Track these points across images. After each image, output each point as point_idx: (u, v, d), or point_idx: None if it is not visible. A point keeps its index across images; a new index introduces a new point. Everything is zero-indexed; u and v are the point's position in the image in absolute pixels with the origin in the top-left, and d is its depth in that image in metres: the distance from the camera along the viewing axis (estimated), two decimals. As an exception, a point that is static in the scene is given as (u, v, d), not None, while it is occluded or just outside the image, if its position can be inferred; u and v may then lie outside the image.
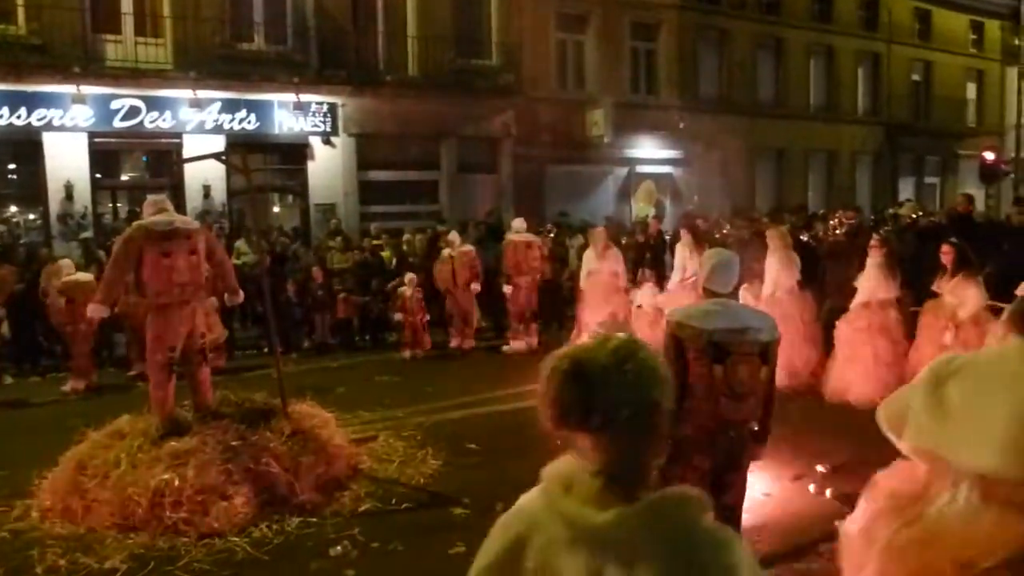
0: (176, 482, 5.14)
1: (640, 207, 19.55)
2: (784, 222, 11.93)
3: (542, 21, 17.70)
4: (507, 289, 11.30)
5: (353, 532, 5.11)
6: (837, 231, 11.92)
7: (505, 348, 11.35)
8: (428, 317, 11.55)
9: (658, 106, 19.84)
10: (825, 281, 9.53)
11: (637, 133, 19.15)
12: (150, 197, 6.19)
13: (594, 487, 1.39)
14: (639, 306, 10.68)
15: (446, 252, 11.67)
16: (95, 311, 5.83)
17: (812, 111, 23.19)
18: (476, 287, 11.51)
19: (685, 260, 9.84)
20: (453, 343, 11.64)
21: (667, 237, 14.07)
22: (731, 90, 21.12)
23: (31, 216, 13.97)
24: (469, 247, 11.84)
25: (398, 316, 11.41)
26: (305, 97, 15.07)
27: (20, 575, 4.63)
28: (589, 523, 1.35)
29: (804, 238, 12.61)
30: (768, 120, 21.18)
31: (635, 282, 10.83)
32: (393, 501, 5.64)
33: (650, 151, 19.70)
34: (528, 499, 1.49)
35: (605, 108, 17.98)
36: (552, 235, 13.74)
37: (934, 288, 7.62)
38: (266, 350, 11.37)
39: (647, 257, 12.96)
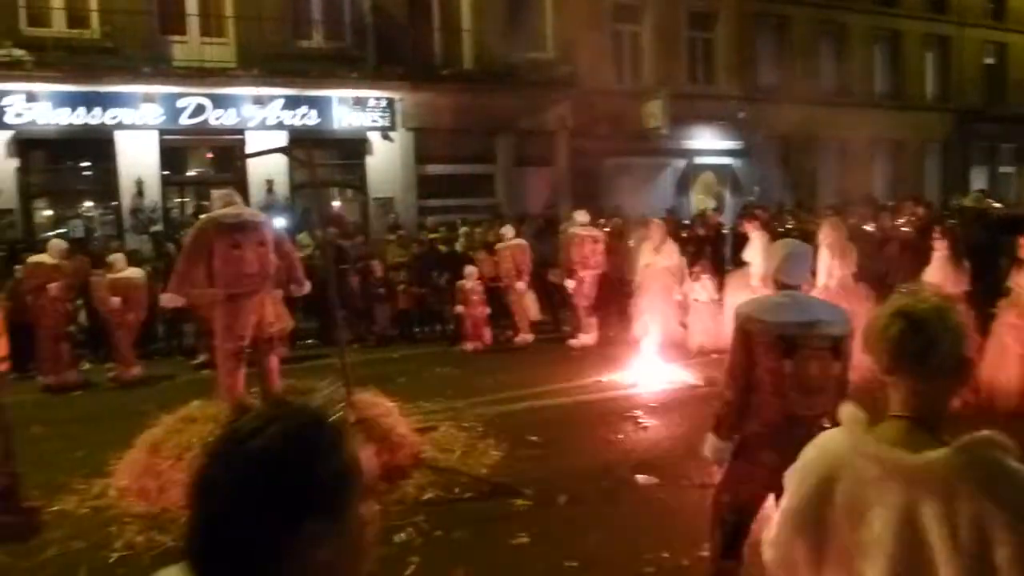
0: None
1: (699, 199, 19.33)
2: (851, 214, 11.66)
3: (597, 12, 17.58)
4: (570, 283, 11.28)
5: (417, 520, 5.18)
6: (904, 224, 11.62)
7: (571, 342, 11.33)
8: (489, 310, 11.63)
9: (716, 96, 19.56)
10: (893, 275, 9.29)
11: (695, 124, 18.91)
12: (218, 191, 6.35)
13: (900, 429, 1.56)
14: (696, 299, 10.61)
15: (499, 246, 11.76)
16: (168, 300, 6.03)
17: (877, 99, 22.55)
18: (520, 285, 11.52)
19: (756, 255, 9.65)
20: (512, 337, 11.71)
21: (726, 230, 13.93)
22: (791, 78, 20.66)
23: (104, 211, 14.45)
24: (521, 241, 11.88)
25: (459, 309, 11.52)
26: (363, 93, 15.27)
27: (101, 549, 4.84)
28: (903, 462, 1.48)
29: (869, 229, 12.33)
30: (830, 109, 20.65)
31: (692, 275, 10.73)
32: (456, 490, 5.71)
33: (708, 142, 19.44)
34: (829, 441, 1.66)
35: (662, 99, 17.80)
36: (610, 228, 13.68)
37: (1009, 284, 7.35)
38: (315, 341, 11.66)
39: (706, 250, 12.84)
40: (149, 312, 10.61)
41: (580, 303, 11.38)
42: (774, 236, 9.10)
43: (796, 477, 1.67)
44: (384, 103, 15.53)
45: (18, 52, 13.12)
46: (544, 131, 17.21)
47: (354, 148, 15.63)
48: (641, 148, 18.05)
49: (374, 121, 15.51)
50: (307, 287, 6.65)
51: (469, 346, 11.32)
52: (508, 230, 12.00)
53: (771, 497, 3.42)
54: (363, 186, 15.81)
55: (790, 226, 12.71)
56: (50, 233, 12.91)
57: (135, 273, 10.33)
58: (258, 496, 0.98)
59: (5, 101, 13.11)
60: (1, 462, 5.52)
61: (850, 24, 21.96)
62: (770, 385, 3.33)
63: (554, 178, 17.61)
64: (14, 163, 13.37)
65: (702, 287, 10.64)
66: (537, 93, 16.60)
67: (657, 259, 10.46)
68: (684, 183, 19.55)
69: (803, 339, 3.30)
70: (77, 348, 11.34)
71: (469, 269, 11.55)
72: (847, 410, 1.62)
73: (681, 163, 19.45)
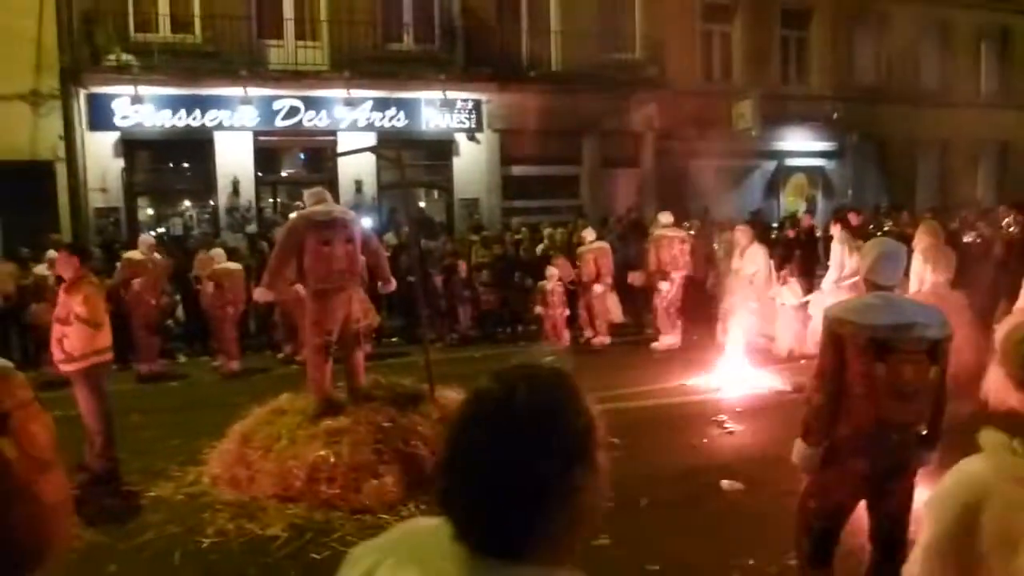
0: (331, 459, 5.41)
1: (790, 201, 18.80)
2: (952, 219, 11.13)
3: (687, 12, 17.32)
4: (664, 285, 11.12)
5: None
6: (1012, 228, 11.01)
7: (655, 345, 11.20)
8: (568, 312, 11.59)
9: (809, 96, 18.98)
10: (998, 283, 8.80)
11: (787, 125, 18.39)
12: (309, 190, 6.51)
13: None
14: (783, 304, 10.32)
15: (581, 248, 11.71)
16: (261, 295, 6.23)
17: (983, 98, 21.44)
18: (599, 288, 11.41)
19: (843, 257, 9.32)
20: (589, 338, 11.65)
21: (819, 233, 13.48)
22: (890, 78, 19.86)
23: (202, 209, 15.05)
24: (603, 244, 11.79)
25: (539, 310, 11.51)
26: (451, 94, 15.44)
27: (195, 534, 5.02)
28: None
29: (970, 238, 11.77)
30: (932, 109, 19.75)
31: (780, 279, 10.45)
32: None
33: (800, 143, 18.87)
34: (969, 468, 1.60)
35: (752, 100, 17.38)
36: (696, 231, 13.44)
37: None
38: (399, 339, 11.85)
39: (796, 254, 12.47)
40: (243, 307, 11.02)
41: (664, 305, 11.21)
42: (865, 239, 8.75)
43: (936, 507, 1.60)
44: (471, 104, 15.68)
45: (126, 57, 13.80)
46: (630, 132, 17.06)
47: (441, 149, 15.83)
48: (730, 149, 17.64)
49: (461, 122, 15.67)
50: (393, 284, 6.75)
51: (548, 347, 11.30)
52: (589, 232, 11.93)
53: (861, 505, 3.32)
54: (449, 187, 15.99)
55: (887, 230, 12.20)
56: (153, 232, 13.54)
57: (234, 266, 10.72)
58: (531, 449, 1.07)
59: (114, 104, 13.80)
60: (104, 448, 5.80)
61: (955, 21, 20.94)
62: (861, 390, 3.19)
63: (640, 180, 17.42)
64: (120, 163, 14.06)
65: (789, 291, 10.35)
66: (624, 94, 16.46)
67: (743, 263, 10.23)
68: (774, 185, 19.05)
69: (897, 342, 3.14)
70: (174, 342, 11.87)
71: (550, 271, 11.53)
72: (990, 435, 1.56)
73: (771, 165, 18.95)
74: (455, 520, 1.10)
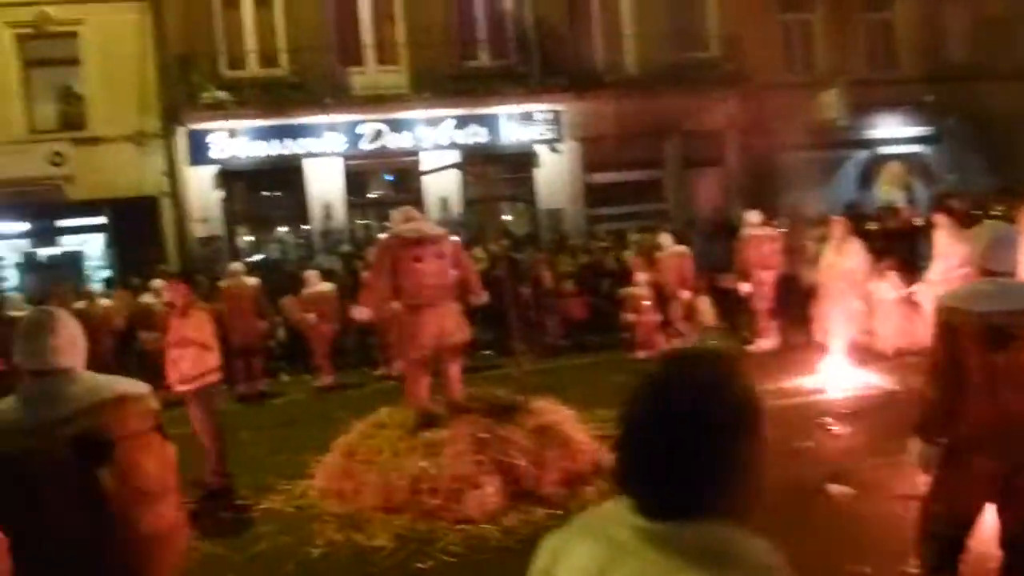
0: (432, 470, 5.51)
1: (885, 191, 18.08)
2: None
3: (764, 4, 16.94)
4: (745, 286, 10.89)
5: (599, 525, 5.17)
6: None
7: (750, 347, 10.95)
8: (660, 318, 11.45)
9: (899, 80, 18.21)
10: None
11: (877, 112, 17.70)
12: (398, 209, 6.68)
13: None
14: (883, 298, 9.93)
15: (659, 255, 11.58)
16: (359, 313, 6.43)
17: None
18: (685, 293, 11.23)
19: (947, 247, 8.89)
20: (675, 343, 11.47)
21: (920, 223, 12.93)
22: (985, 53, 18.87)
23: (297, 234, 15.61)
24: (681, 249, 11.60)
25: (629, 317, 11.42)
26: (529, 107, 15.58)
27: (305, 545, 5.22)
28: None
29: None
30: (1037, 84, 18.67)
31: (879, 273, 10.04)
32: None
33: (894, 130, 18.14)
34: None
35: (838, 88, 16.83)
36: (786, 227, 13.08)
37: None
38: (491, 352, 11.94)
39: (896, 246, 11.98)
40: (340, 325, 11.37)
41: (759, 306, 10.95)
42: (971, 225, 8.34)
43: None
44: (550, 115, 15.77)
45: (220, 94, 14.52)
46: (713, 131, 16.77)
47: (522, 161, 15.96)
48: (818, 141, 17.13)
49: (541, 134, 15.77)
50: (484, 297, 6.84)
51: (642, 354, 11.18)
52: (666, 238, 11.77)
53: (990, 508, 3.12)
54: (532, 198, 16.10)
55: (995, 214, 11.60)
56: (255, 257, 14.13)
57: (327, 287, 11.09)
58: (703, 424, 1.17)
59: (210, 139, 14.51)
60: (218, 463, 6.08)
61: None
62: (979, 382, 3.01)
63: (724, 179, 17.11)
64: (219, 194, 14.78)
65: (889, 285, 9.94)
66: (703, 93, 16.21)
67: (839, 258, 9.88)
68: (868, 176, 18.34)
69: (1015, 328, 2.95)
70: (274, 361, 12.30)
71: (639, 276, 11.44)
72: None
73: (863, 154, 18.28)
74: (632, 494, 1.19)
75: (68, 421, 2.21)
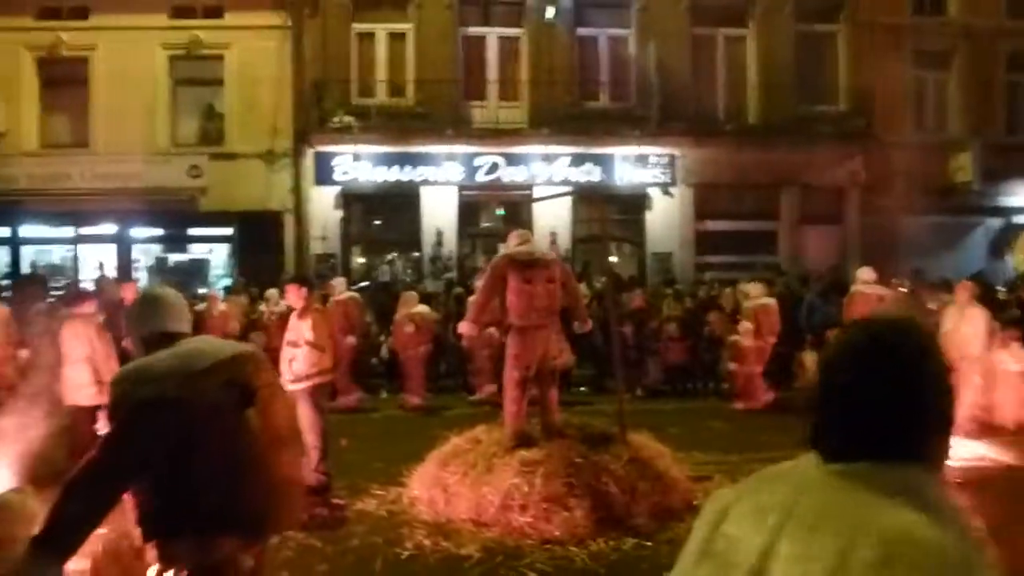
0: (525, 488, 5.53)
1: (1020, 261, 17.09)
2: None
3: (898, 60, 16.47)
4: None
5: (688, 561, 5.05)
6: None
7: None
8: (762, 368, 11.14)
9: (1041, 147, 17.32)
10: None
11: (1014, 178, 16.84)
12: (514, 231, 6.81)
13: None
14: (1004, 370, 9.34)
15: (746, 304, 11.30)
16: (466, 328, 6.55)
17: None
18: (747, 341, 10.92)
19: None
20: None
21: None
22: None
23: (407, 258, 16.07)
24: (767, 300, 11.27)
25: (732, 366, 11.17)
26: (646, 150, 15.63)
27: (394, 546, 5.33)
28: None
29: None
30: None
31: (1001, 342, 9.46)
32: (730, 539, 5.48)
33: (1031, 200, 17.20)
34: None
35: (973, 151, 16.13)
36: (904, 288, 12.53)
37: None
38: (587, 389, 11.88)
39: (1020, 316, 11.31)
40: (437, 349, 11.61)
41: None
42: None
43: None
44: (665, 159, 15.77)
45: (348, 119, 15.24)
46: (833, 186, 16.36)
47: (634, 203, 15.98)
48: (947, 205, 16.42)
49: (655, 177, 15.78)
50: (589, 325, 6.87)
51: (740, 404, 10.89)
52: (754, 288, 11.45)
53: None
54: (641, 241, 16.06)
55: None
56: (363, 283, 14.59)
57: (424, 309, 11.36)
58: (925, 379, 1.24)
59: (335, 161, 15.22)
60: (319, 462, 6.27)
61: None
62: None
63: (843, 236, 16.59)
64: (339, 214, 15.43)
65: (1011, 356, 9.35)
66: (827, 147, 15.87)
67: (960, 324, 9.38)
68: (999, 245, 17.41)
69: None
70: (375, 379, 12.61)
71: (744, 325, 11.17)
72: None
73: (996, 222, 17.38)
74: (831, 449, 1.22)
75: (212, 371, 2.45)
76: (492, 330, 9.56)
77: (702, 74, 16.17)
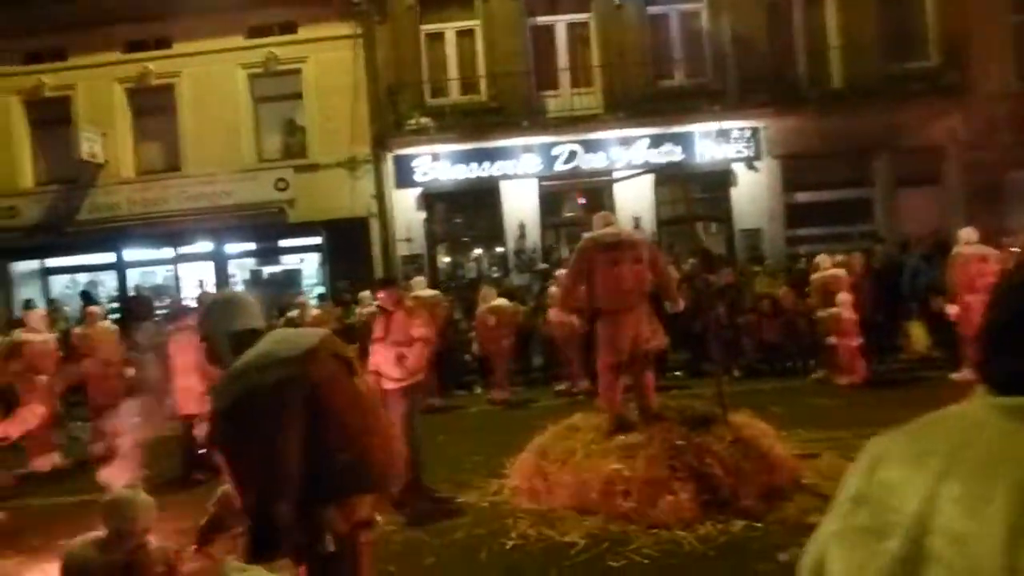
0: (627, 473, 5.44)
1: None
2: None
3: (993, 6, 15.51)
4: (952, 309, 9.89)
5: (801, 542, 4.86)
6: None
7: (954, 376, 9.92)
8: (861, 342, 10.66)
9: None
10: None
11: None
12: (597, 214, 6.72)
13: None
14: None
15: (815, 276, 10.88)
16: (555, 316, 6.52)
17: None
18: (822, 313, 10.56)
19: None
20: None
21: None
22: None
23: (492, 253, 16.14)
24: (836, 271, 10.80)
25: (831, 340, 10.75)
26: (726, 124, 15.22)
27: (498, 537, 5.33)
28: None
29: None
30: None
31: None
32: (844, 518, 5.27)
33: None
34: None
35: (1081, 97, 15.06)
36: (1014, 247, 11.77)
37: None
38: (682, 373, 11.66)
39: None
40: (525, 342, 11.62)
41: (966, 331, 9.87)
42: None
43: None
44: (748, 133, 15.32)
45: (424, 120, 15.42)
46: (930, 146, 15.53)
47: (718, 180, 15.58)
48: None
49: (738, 152, 15.36)
50: (681, 305, 6.70)
51: (844, 380, 10.46)
52: (825, 259, 11.02)
53: None
54: (728, 218, 15.66)
55: None
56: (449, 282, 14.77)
57: (504, 303, 11.37)
58: None
59: (415, 163, 15.41)
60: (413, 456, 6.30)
61: None
62: None
63: (943, 197, 15.75)
64: (422, 215, 15.61)
65: None
66: (920, 105, 15.08)
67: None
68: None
69: None
70: (469, 375, 12.71)
71: (842, 297, 10.73)
72: None
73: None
74: (1001, 383, 1.12)
75: (320, 348, 2.67)
76: (575, 319, 9.49)
77: (779, 41, 15.60)
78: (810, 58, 15.72)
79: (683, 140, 15.21)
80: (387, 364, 6.23)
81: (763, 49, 15.37)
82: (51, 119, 16.35)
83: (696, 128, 15.24)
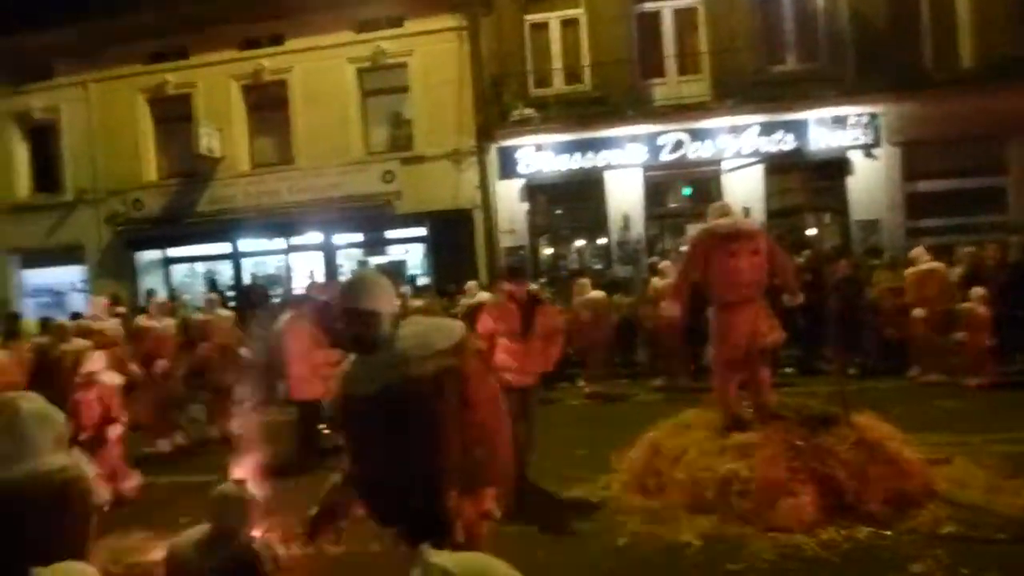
0: (743, 473, 5.24)
1: None
2: None
3: None
4: None
5: (936, 553, 4.58)
6: None
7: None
8: (993, 341, 9.95)
9: None
10: None
11: None
12: (713, 204, 6.49)
13: None
14: None
15: (909, 271, 10.21)
16: (667, 309, 6.31)
17: None
18: (918, 312, 9.97)
19: None
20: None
21: None
22: None
23: (594, 245, 15.96)
24: (933, 264, 10.19)
25: (959, 336, 10.09)
26: (842, 110, 14.52)
27: (609, 533, 5.23)
28: None
29: None
30: None
31: None
32: (982, 529, 4.91)
33: None
34: None
35: None
36: None
37: None
38: (793, 370, 11.16)
39: None
40: (628, 335, 11.50)
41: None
42: None
43: None
44: (865, 119, 14.55)
45: (528, 111, 15.38)
46: (1072, 130, 14.37)
47: (833, 169, 14.86)
48: None
49: (855, 139, 14.61)
50: (801, 298, 6.41)
51: (972, 381, 9.79)
52: (920, 253, 10.38)
53: None
54: (844, 208, 14.93)
55: None
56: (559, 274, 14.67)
57: (598, 295, 11.16)
58: None
59: (518, 154, 15.39)
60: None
61: None
62: None
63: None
64: (525, 207, 15.59)
65: None
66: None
67: None
68: None
69: None
70: (568, 367, 12.58)
71: (975, 291, 10.06)
72: None
73: None
74: None
75: (467, 341, 2.79)
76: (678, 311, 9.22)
77: (902, 20, 14.71)
78: (936, 37, 14.76)
79: (796, 127, 14.59)
80: (521, 358, 6.01)
81: (883, 29, 14.56)
82: (173, 116, 17.19)
83: (810, 115, 14.59)
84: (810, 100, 14.49)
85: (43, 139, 17.99)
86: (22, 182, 18.15)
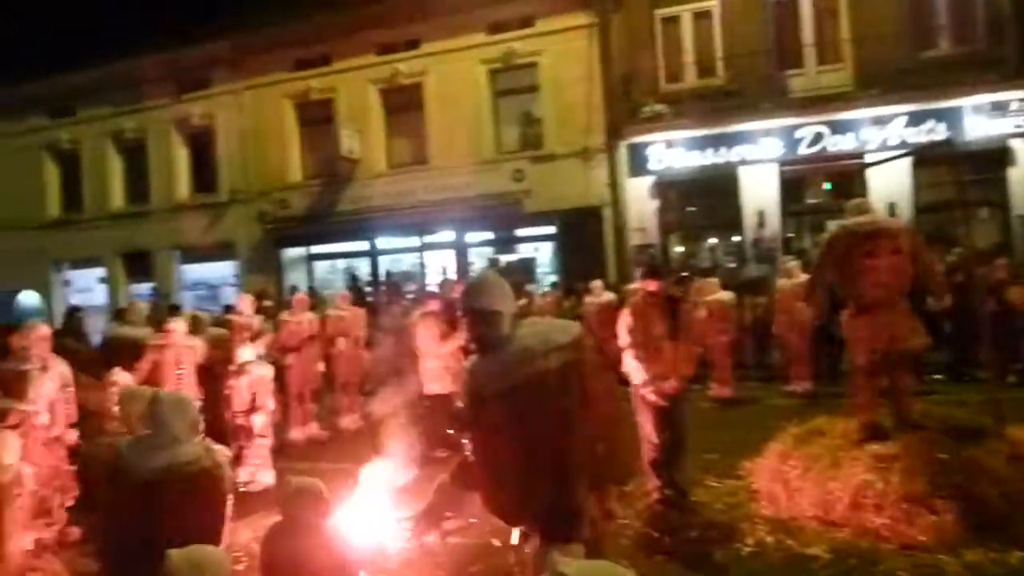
0: (879, 485, 4.98)
1: None
2: None
3: None
4: None
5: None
6: None
7: None
8: None
9: None
10: None
11: None
12: (851, 201, 6.16)
13: None
14: None
15: None
16: (802, 312, 6.07)
17: None
18: None
19: None
20: None
21: None
22: None
23: (727, 243, 15.54)
24: None
25: None
26: (1003, 96, 13.43)
27: (733, 541, 5.10)
28: None
29: None
30: None
31: None
32: None
33: None
34: None
35: None
36: None
37: None
38: (941, 376, 10.42)
39: None
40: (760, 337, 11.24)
41: None
42: None
43: None
44: (1030, 105, 13.42)
45: (659, 107, 15.15)
46: None
47: (991, 159, 13.76)
48: None
49: (1017, 127, 13.50)
50: (948, 300, 6.01)
51: None
52: None
53: None
54: (1003, 201, 13.83)
55: None
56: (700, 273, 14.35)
57: (725, 296, 10.76)
58: None
59: (648, 151, 15.20)
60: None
61: None
62: None
63: None
64: (655, 204, 15.37)
65: None
66: None
67: None
68: None
69: None
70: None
71: None
72: None
73: None
74: None
75: (584, 337, 2.83)
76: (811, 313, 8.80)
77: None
78: (1115, 13, 13.43)
79: (948, 116, 13.63)
80: (668, 361, 5.70)
81: (1052, 7, 13.37)
82: (316, 119, 18.09)
83: (965, 102, 13.58)
84: (965, 86, 13.48)
85: (201, 143, 19.40)
86: (182, 184, 19.63)
